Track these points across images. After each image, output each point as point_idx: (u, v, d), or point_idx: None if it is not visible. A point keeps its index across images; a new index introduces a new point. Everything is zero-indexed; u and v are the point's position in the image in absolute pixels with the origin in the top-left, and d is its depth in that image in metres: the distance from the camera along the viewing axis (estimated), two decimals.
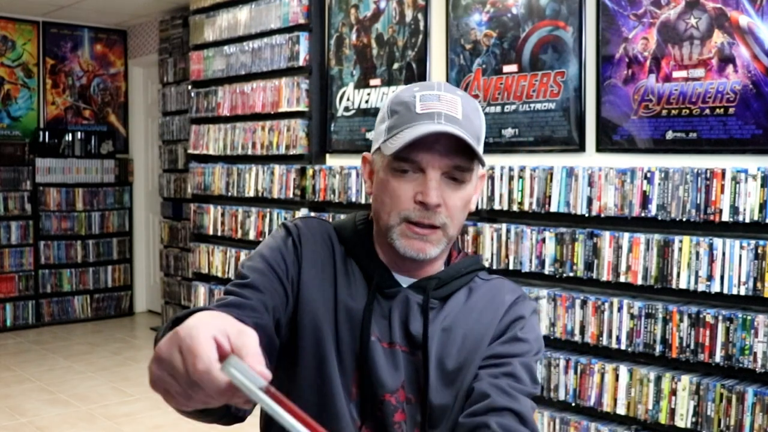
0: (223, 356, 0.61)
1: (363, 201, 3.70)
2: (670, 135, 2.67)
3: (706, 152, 2.59)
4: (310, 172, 4.01)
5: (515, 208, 3.00)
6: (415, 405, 1.04)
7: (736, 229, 2.46)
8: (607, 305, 2.70)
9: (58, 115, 6.48)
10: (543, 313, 2.86)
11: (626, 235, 2.67)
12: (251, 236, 4.37)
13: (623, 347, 2.66)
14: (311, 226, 1.11)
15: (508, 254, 2.98)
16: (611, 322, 2.68)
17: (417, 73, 3.59)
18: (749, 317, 2.38)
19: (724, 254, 2.44)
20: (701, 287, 2.49)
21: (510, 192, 3.01)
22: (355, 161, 3.81)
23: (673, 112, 2.66)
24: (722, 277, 2.44)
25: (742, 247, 2.40)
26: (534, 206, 2.94)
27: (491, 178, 3.05)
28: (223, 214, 4.62)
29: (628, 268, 2.65)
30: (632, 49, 2.75)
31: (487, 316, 1.07)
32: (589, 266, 2.77)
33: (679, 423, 2.51)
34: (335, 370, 1.03)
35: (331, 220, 1.38)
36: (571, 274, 2.80)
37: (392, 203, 1.01)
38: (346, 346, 1.04)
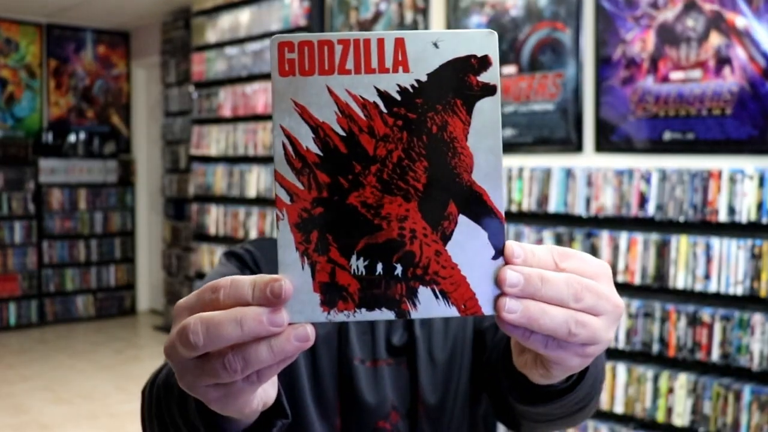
0: None
1: None
2: (667, 136, 2.70)
3: (703, 153, 2.61)
4: None
5: (514, 208, 3.02)
6: (410, 416, 0.97)
7: (733, 229, 2.48)
8: None
9: (61, 115, 6.51)
10: None
11: (624, 235, 2.69)
12: (253, 236, 4.40)
13: (621, 346, 2.68)
14: (264, 249, 1.00)
15: None
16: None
17: None
18: (746, 316, 2.40)
19: (721, 254, 2.46)
20: (698, 287, 2.51)
21: (509, 192, 3.04)
22: None
23: (670, 112, 2.68)
24: (719, 277, 2.47)
25: (738, 247, 2.43)
26: (532, 206, 2.96)
27: None
28: (225, 215, 4.65)
29: (626, 267, 2.68)
30: (630, 50, 2.77)
31: None
32: None
33: (677, 421, 2.53)
34: (309, 406, 0.92)
35: None
36: None
37: None
38: (326, 374, 0.94)
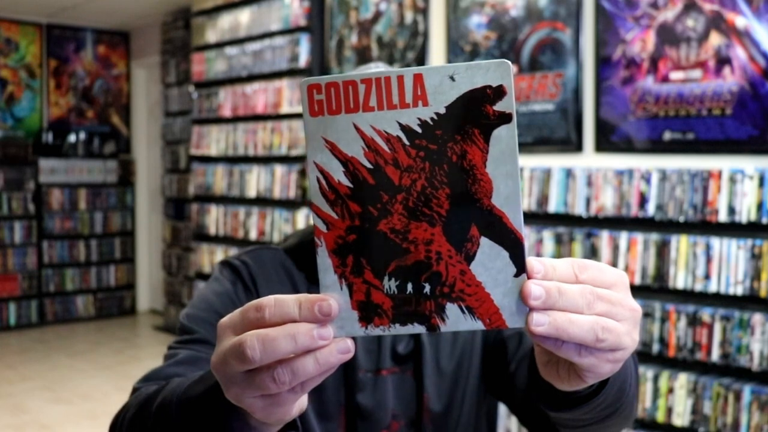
0: None
1: None
2: (667, 136, 2.70)
3: (703, 153, 2.61)
4: None
5: None
6: (415, 424, 0.96)
7: (732, 229, 2.48)
8: None
9: (61, 115, 6.51)
10: None
11: (624, 235, 2.69)
12: (252, 236, 4.40)
13: None
14: (261, 261, 0.98)
15: None
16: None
17: None
18: (746, 316, 2.40)
19: (721, 254, 2.46)
20: (698, 287, 2.51)
21: None
22: None
23: (670, 113, 2.68)
24: (719, 277, 2.47)
25: (738, 247, 2.43)
26: (533, 206, 2.96)
27: None
28: (225, 215, 4.65)
29: (626, 267, 2.68)
30: (630, 50, 2.77)
31: None
32: None
33: (677, 421, 2.53)
34: (311, 420, 0.92)
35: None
36: None
37: None
38: (329, 387, 0.94)
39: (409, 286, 0.47)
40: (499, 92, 0.45)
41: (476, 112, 0.45)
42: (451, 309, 0.47)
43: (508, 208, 0.46)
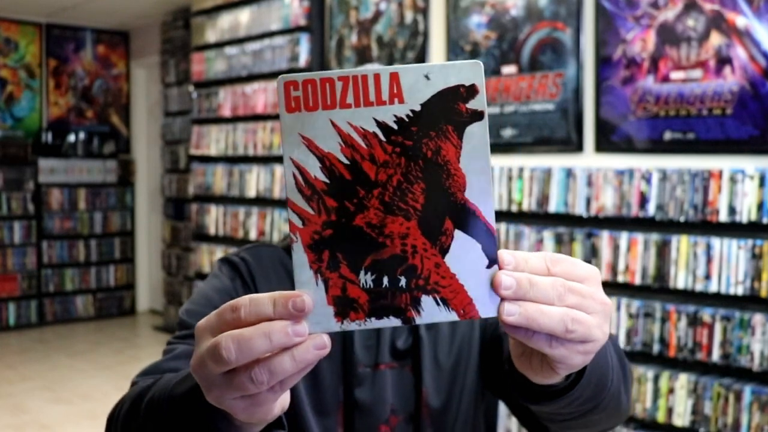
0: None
1: None
2: (668, 135, 2.69)
3: (703, 153, 2.60)
4: None
5: (514, 208, 3.02)
6: (413, 419, 0.96)
7: (733, 229, 2.48)
8: None
9: (60, 115, 6.51)
10: None
11: (624, 235, 2.69)
12: (252, 236, 4.40)
13: (622, 346, 2.67)
14: (260, 258, 0.99)
15: None
16: (609, 321, 2.70)
17: None
18: (746, 316, 2.40)
19: (721, 254, 2.46)
20: (699, 287, 2.51)
21: (509, 192, 3.04)
22: None
23: (670, 112, 2.68)
24: (720, 277, 2.46)
25: (739, 247, 2.42)
26: (533, 206, 2.96)
27: None
28: (224, 215, 4.64)
29: (627, 267, 2.67)
30: (630, 50, 2.77)
31: None
32: None
33: (677, 421, 2.53)
34: (308, 416, 0.92)
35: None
36: None
37: None
38: (327, 383, 0.94)
39: (385, 280, 0.47)
40: (472, 91, 0.47)
41: (450, 110, 0.47)
42: (426, 301, 0.47)
43: (481, 202, 0.47)
